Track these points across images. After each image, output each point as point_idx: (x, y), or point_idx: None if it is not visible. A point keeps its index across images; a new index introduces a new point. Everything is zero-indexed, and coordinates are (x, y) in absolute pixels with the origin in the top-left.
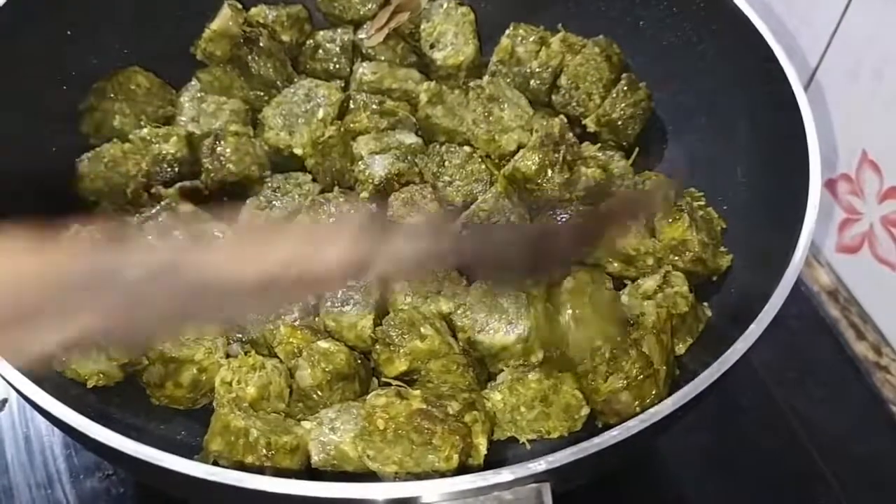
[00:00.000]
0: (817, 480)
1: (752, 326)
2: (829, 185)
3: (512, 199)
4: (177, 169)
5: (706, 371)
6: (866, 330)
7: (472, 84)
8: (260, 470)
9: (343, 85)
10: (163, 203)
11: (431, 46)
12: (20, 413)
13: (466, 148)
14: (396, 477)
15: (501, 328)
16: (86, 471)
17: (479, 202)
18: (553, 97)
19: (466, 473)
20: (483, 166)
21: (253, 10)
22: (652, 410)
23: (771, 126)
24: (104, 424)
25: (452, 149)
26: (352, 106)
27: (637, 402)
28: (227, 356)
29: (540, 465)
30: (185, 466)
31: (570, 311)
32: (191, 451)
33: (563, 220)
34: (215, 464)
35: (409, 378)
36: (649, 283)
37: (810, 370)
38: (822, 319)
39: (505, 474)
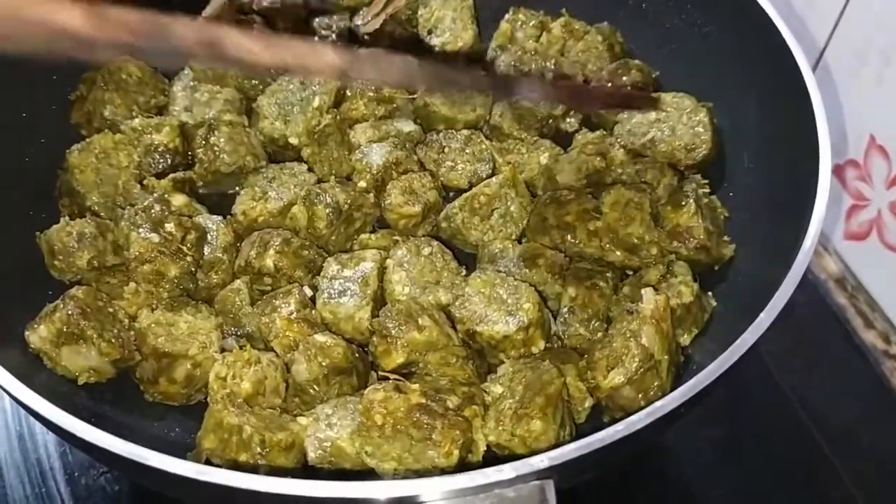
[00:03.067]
0: (826, 470)
1: (760, 316)
2: (837, 170)
3: (518, 188)
4: (169, 160)
5: (713, 363)
6: (875, 318)
7: None
8: (254, 468)
9: None
10: (155, 195)
11: (429, 32)
12: (13, 411)
13: (465, 131)
14: (395, 474)
15: (501, 318)
16: (81, 468)
17: (482, 185)
18: None
19: (466, 469)
20: (484, 146)
21: None
22: (658, 404)
23: (778, 111)
24: (95, 423)
25: (451, 134)
26: (348, 94)
27: (640, 395)
28: (222, 350)
29: (543, 461)
30: (175, 466)
31: None
32: (185, 448)
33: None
34: (208, 462)
35: (407, 371)
36: (653, 273)
37: (818, 359)
38: (829, 308)
39: (507, 471)
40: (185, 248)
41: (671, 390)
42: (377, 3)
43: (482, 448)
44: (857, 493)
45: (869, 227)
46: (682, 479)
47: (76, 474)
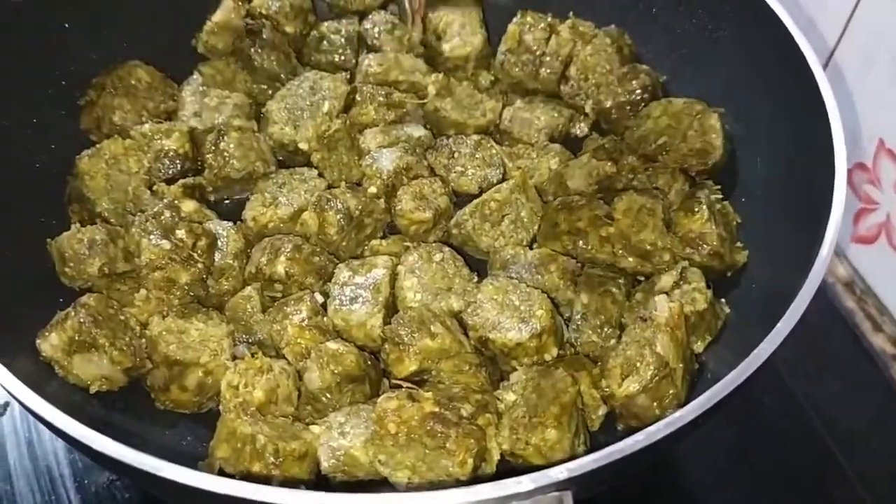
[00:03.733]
0: (835, 473)
1: (778, 326)
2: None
3: (528, 193)
4: (179, 165)
5: (732, 373)
6: (883, 322)
7: None
8: (267, 478)
9: (349, 77)
10: (165, 201)
11: (438, 38)
12: (23, 417)
13: (475, 136)
14: (409, 484)
15: (514, 325)
16: (90, 475)
17: (493, 191)
18: (562, 87)
19: (480, 477)
20: (494, 150)
21: (255, 2)
22: (677, 415)
23: (792, 114)
24: (106, 432)
25: (460, 139)
26: (358, 98)
27: (655, 404)
28: (234, 358)
29: (561, 472)
30: (188, 477)
31: None
32: (197, 458)
33: None
34: (221, 472)
35: (419, 378)
36: (665, 280)
37: (827, 363)
38: (838, 312)
39: (525, 483)
40: (195, 254)
41: (686, 398)
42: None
43: (496, 457)
44: (866, 496)
45: (878, 231)
46: (693, 482)
47: (86, 481)
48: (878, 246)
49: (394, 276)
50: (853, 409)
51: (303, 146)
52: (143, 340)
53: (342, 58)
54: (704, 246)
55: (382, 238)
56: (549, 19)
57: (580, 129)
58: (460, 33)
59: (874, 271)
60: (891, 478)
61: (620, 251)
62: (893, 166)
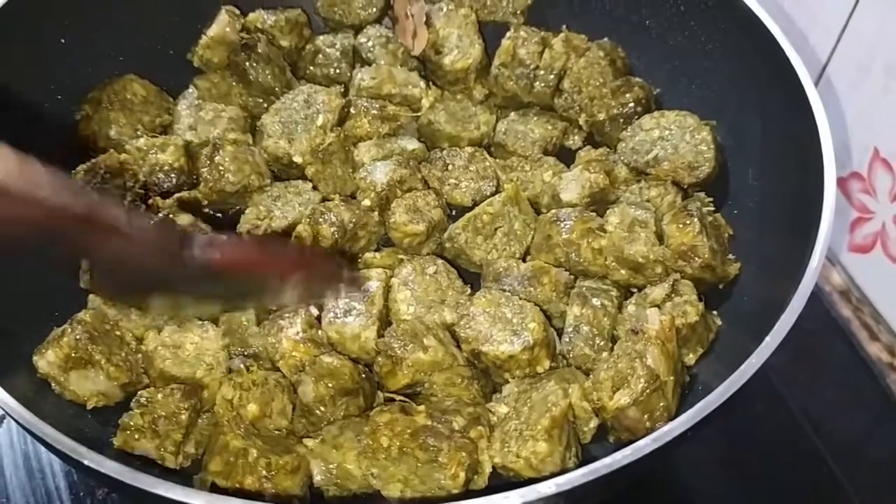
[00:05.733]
0: (831, 485)
1: (767, 339)
2: (841, 183)
3: (521, 205)
4: (174, 179)
5: (721, 386)
6: (879, 330)
7: None
8: (260, 491)
9: (343, 90)
10: (160, 215)
11: (437, 52)
12: (19, 430)
13: (469, 148)
14: (402, 497)
15: (506, 338)
16: (86, 488)
17: (485, 204)
18: (556, 100)
19: (472, 490)
20: (488, 163)
21: (251, 16)
22: (665, 429)
23: (783, 127)
24: (101, 448)
25: (454, 151)
26: (352, 111)
27: (646, 417)
28: (230, 371)
29: (550, 487)
30: (181, 494)
31: None
32: (192, 472)
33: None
34: (214, 486)
35: (412, 391)
36: (657, 292)
37: (822, 372)
38: (833, 320)
39: (514, 498)
40: None
41: (677, 411)
42: (406, 25)
43: (488, 470)
44: None
45: (874, 240)
46: (683, 491)
47: (81, 494)
48: (874, 255)
49: (387, 289)
50: (849, 419)
51: (297, 159)
52: (139, 356)
53: (337, 71)
54: (696, 258)
55: (376, 251)
56: (543, 33)
57: (574, 141)
58: (459, 45)
59: (870, 280)
60: (887, 488)
61: (613, 263)
62: (888, 175)
